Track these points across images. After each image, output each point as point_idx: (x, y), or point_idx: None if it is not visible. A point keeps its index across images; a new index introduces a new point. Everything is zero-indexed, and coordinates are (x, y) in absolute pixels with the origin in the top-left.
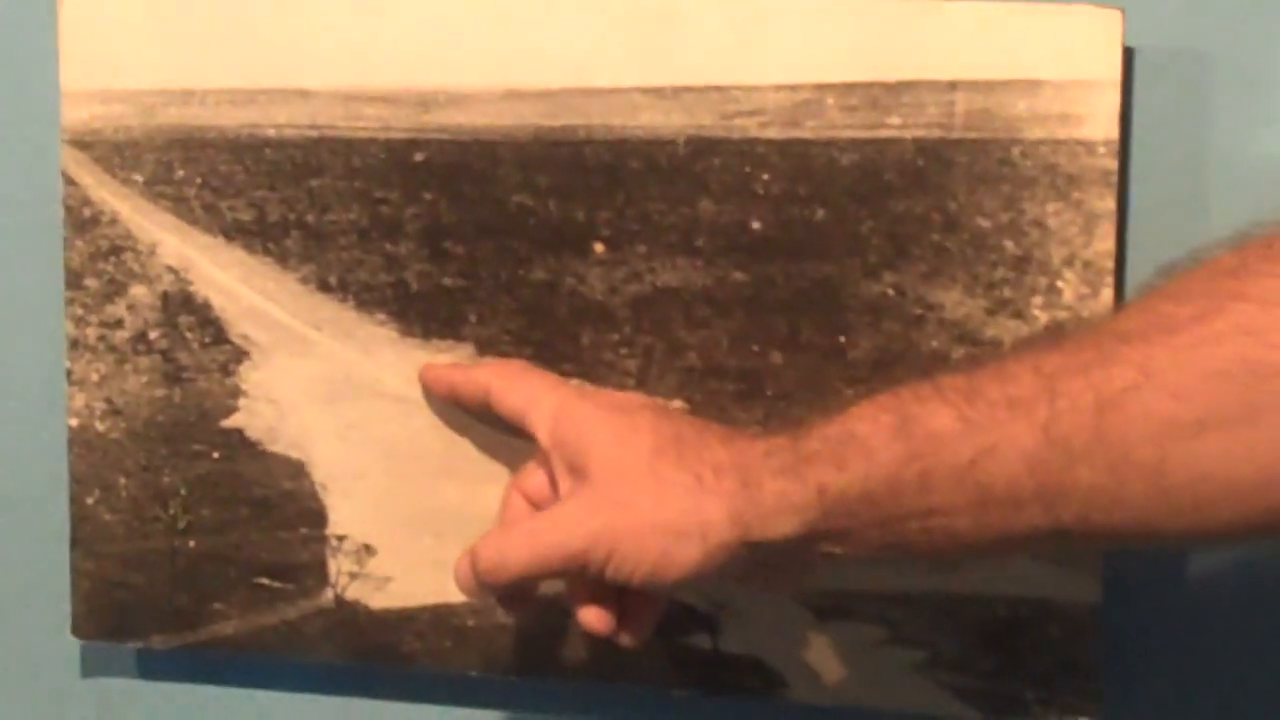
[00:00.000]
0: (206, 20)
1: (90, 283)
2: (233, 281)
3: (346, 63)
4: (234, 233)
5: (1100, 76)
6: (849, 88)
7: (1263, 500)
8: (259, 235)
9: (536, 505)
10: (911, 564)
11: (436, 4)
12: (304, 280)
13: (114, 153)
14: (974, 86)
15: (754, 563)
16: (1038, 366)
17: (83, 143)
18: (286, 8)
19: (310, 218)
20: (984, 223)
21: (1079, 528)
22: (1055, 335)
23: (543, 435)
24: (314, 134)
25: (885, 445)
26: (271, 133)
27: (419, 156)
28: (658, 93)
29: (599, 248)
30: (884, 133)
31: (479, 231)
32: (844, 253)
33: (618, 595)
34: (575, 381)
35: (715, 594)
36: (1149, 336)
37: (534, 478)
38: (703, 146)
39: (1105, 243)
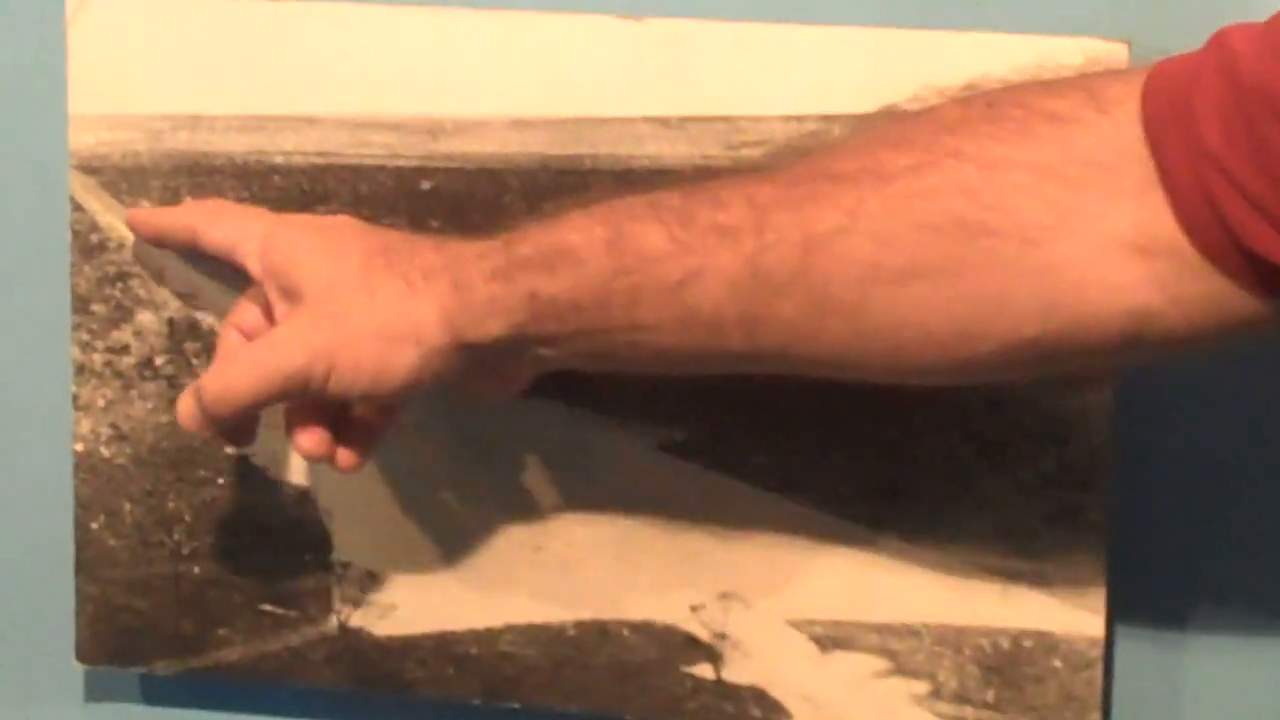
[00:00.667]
0: (215, 46)
1: (97, 308)
2: None
3: (354, 90)
4: None
5: None
6: (855, 119)
7: (959, 352)
8: None
9: (252, 339)
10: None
11: (445, 32)
12: None
13: (121, 178)
14: None
15: (469, 366)
16: (751, 197)
17: (90, 167)
18: (295, 34)
19: None
20: None
21: (778, 355)
22: (771, 168)
23: (252, 264)
24: (321, 161)
25: (595, 258)
26: (279, 159)
27: (426, 184)
28: (664, 122)
29: None
30: None
31: None
32: None
33: (335, 419)
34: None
35: (713, 623)
36: (861, 180)
37: (248, 313)
38: (709, 177)
39: None
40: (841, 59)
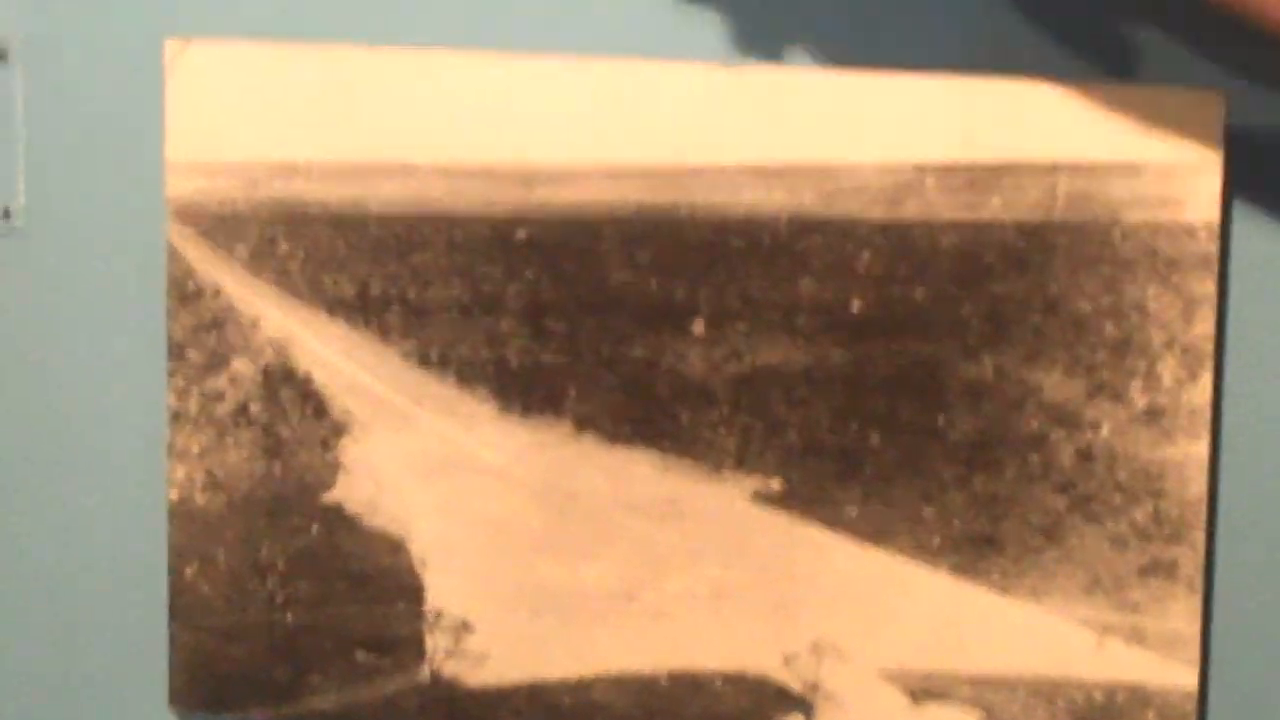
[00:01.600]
0: (311, 94)
1: (192, 355)
2: (334, 356)
3: (450, 139)
4: (336, 307)
5: (1201, 159)
6: (949, 169)
7: None
8: (361, 310)
9: None
10: None
11: (539, 80)
12: (405, 355)
13: (218, 225)
14: (1075, 169)
15: None
16: None
17: (187, 215)
18: (391, 82)
19: (412, 293)
20: (1084, 305)
21: None
22: None
23: None
24: (417, 209)
25: None
26: (375, 207)
27: (521, 233)
28: (759, 171)
29: (699, 326)
30: (984, 214)
31: (580, 308)
32: (944, 333)
33: None
34: None
35: (806, 674)
36: None
37: None
38: (804, 225)
39: (1205, 326)
40: (936, 109)
